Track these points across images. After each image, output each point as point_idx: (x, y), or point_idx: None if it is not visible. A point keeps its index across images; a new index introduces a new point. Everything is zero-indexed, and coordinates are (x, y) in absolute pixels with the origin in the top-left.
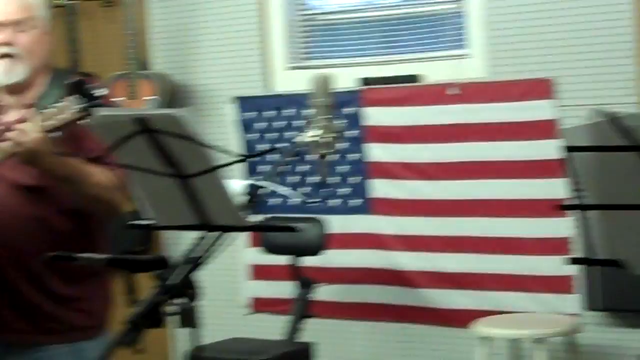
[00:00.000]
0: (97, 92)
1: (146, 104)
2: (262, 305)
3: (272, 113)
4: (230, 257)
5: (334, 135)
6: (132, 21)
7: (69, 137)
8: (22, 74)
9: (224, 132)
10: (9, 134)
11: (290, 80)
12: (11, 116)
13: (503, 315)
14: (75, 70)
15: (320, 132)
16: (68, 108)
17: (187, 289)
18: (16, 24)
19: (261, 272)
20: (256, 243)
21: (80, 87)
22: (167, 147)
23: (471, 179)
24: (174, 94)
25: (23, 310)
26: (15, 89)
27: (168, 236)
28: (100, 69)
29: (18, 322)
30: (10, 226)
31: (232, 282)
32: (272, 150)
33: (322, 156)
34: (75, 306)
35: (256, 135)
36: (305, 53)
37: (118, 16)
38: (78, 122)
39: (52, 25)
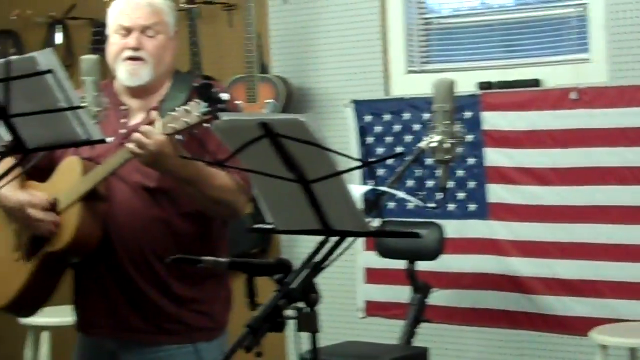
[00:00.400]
0: (223, 96)
1: (265, 107)
2: (376, 309)
3: (391, 117)
4: (346, 260)
5: (455, 141)
6: (252, 25)
7: (193, 140)
8: (147, 77)
9: (342, 136)
10: (133, 136)
11: (409, 84)
12: (135, 120)
13: (621, 323)
14: (196, 74)
15: (440, 137)
16: (193, 111)
17: (307, 294)
18: (144, 29)
19: (376, 276)
20: (372, 247)
21: (206, 91)
22: (290, 151)
23: (590, 185)
24: (293, 98)
25: (144, 311)
26: (139, 93)
27: (285, 239)
28: (220, 72)
29: (139, 322)
30: (133, 227)
31: (347, 285)
32: (395, 156)
33: (442, 162)
34: (195, 308)
35: (374, 139)
36: (425, 57)
37: (238, 20)
38: (202, 126)
39: (177, 30)
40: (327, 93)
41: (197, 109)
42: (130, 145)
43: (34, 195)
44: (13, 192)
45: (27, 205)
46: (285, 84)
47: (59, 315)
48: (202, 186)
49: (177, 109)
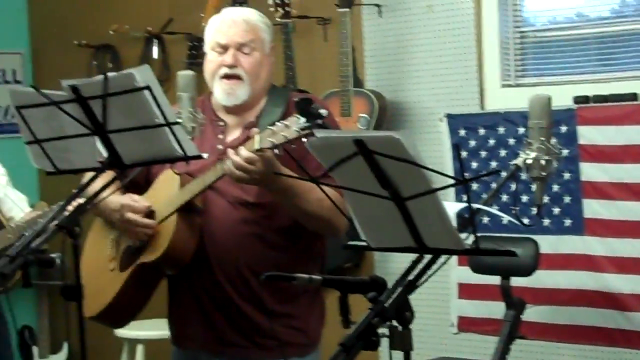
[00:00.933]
0: (322, 112)
1: (358, 121)
2: (469, 324)
3: (485, 131)
4: (439, 275)
5: (550, 157)
6: (346, 38)
7: (289, 155)
8: (244, 95)
9: (435, 150)
10: (231, 156)
11: (504, 98)
12: (232, 136)
13: None
14: (292, 88)
15: (536, 154)
16: (292, 126)
17: (401, 312)
18: (240, 46)
19: (469, 291)
20: (465, 262)
21: (306, 106)
22: (384, 168)
23: None
24: (386, 111)
25: (239, 325)
26: (236, 109)
27: (378, 254)
28: (314, 86)
29: (234, 337)
30: (228, 241)
31: (440, 300)
32: (491, 173)
33: (538, 178)
34: (289, 323)
35: (468, 153)
36: (520, 70)
37: (333, 33)
38: (301, 140)
39: (273, 45)
40: (421, 107)
41: (296, 123)
42: (227, 163)
43: (134, 200)
44: (115, 197)
45: (127, 209)
46: (379, 97)
47: (153, 328)
48: (299, 200)
49: (276, 123)
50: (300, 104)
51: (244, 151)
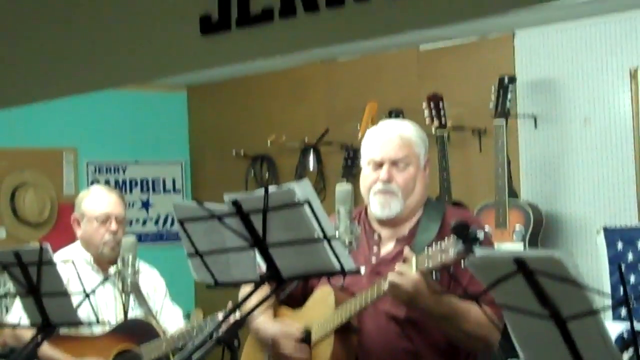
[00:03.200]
0: (479, 235)
1: (514, 233)
2: None
3: None
4: None
5: None
6: (502, 150)
7: (445, 274)
8: (397, 208)
9: (592, 264)
10: (389, 276)
11: None
12: (386, 249)
13: None
14: (446, 201)
15: None
16: (449, 249)
17: None
18: (394, 162)
19: None
20: None
21: (463, 230)
22: (544, 287)
23: None
24: (542, 223)
25: None
26: (390, 222)
27: None
28: (469, 197)
29: None
30: (383, 358)
31: None
32: None
33: None
34: None
35: (626, 268)
36: None
37: (488, 144)
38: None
39: (428, 159)
40: (577, 219)
41: (452, 247)
42: (387, 284)
43: (287, 325)
44: (268, 325)
45: (281, 337)
46: (535, 209)
47: None
48: (457, 321)
49: (433, 246)
50: (457, 228)
51: (403, 268)
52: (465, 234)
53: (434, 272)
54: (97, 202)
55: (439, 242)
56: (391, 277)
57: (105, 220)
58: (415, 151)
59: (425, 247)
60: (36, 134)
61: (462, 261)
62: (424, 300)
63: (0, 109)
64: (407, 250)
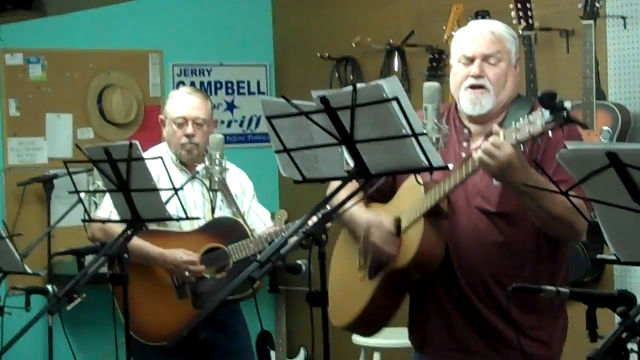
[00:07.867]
0: (566, 104)
1: (601, 134)
2: None
3: None
4: None
5: None
6: (590, 51)
7: (537, 165)
8: (488, 106)
9: None
10: (483, 146)
11: None
12: (476, 144)
13: None
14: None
15: None
16: (536, 121)
17: None
18: (485, 57)
19: None
20: None
21: (550, 100)
22: (637, 181)
23: None
24: (630, 125)
25: (483, 333)
26: (480, 119)
27: (617, 269)
28: None
29: (477, 344)
30: (473, 251)
31: None
32: None
33: None
34: (534, 335)
35: None
36: None
37: (575, 46)
38: (547, 135)
39: (519, 57)
40: None
41: (540, 118)
42: (479, 155)
43: (379, 215)
44: (361, 211)
45: (373, 225)
46: (622, 110)
47: (391, 337)
48: (544, 200)
49: (520, 119)
50: (544, 98)
51: (493, 138)
52: (553, 104)
53: (522, 148)
54: (176, 105)
55: (526, 115)
56: (485, 147)
57: (182, 123)
58: (506, 47)
59: (513, 122)
60: (122, 35)
61: (550, 132)
62: (516, 173)
63: (87, 10)
64: (495, 126)
